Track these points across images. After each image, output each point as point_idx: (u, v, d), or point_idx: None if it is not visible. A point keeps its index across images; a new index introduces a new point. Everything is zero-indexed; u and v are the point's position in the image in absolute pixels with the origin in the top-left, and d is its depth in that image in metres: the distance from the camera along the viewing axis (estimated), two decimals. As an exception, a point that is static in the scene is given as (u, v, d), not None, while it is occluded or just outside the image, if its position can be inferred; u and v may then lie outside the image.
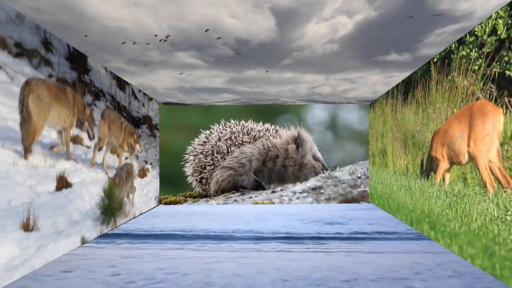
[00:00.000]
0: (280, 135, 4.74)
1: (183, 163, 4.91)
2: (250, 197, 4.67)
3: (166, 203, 5.02)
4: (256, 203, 4.61)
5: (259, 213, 4.11)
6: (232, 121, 4.88)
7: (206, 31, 2.35)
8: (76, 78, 2.80)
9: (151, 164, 4.65)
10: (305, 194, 4.72)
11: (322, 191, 4.73)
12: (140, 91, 4.33)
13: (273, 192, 4.71)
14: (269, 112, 5.21)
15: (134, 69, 3.24)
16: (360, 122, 5.29)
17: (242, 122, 4.85)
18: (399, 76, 3.50)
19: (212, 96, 4.64)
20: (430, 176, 2.86)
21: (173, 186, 5.11)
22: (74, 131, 2.73)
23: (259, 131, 4.74)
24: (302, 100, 5.03)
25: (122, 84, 3.76)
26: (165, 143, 5.17)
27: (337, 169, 4.87)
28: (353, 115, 5.32)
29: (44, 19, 2.13)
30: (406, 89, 3.57)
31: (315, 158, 4.79)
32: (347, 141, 5.23)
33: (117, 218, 3.36)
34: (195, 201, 4.95)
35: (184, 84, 3.87)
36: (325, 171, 4.81)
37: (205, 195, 4.91)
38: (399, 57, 2.84)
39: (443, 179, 2.62)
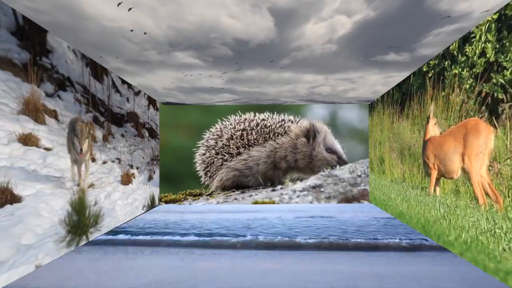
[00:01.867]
0: (290, 130, 4.69)
1: (194, 151, 4.91)
2: (250, 195, 4.67)
3: (166, 202, 5.04)
4: (256, 202, 4.62)
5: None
6: (247, 114, 4.82)
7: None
8: (29, 60, 2.25)
9: (137, 168, 4.24)
10: (305, 193, 4.72)
11: (322, 189, 4.72)
12: (123, 83, 3.92)
13: (273, 190, 4.70)
14: (269, 111, 5.13)
15: (133, 69, 3.24)
16: (360, 121, 5.28)
17: (257, 118, 4.78)
18: (399, 76, 3.50)
19: (212, 96, 4.65)
20: (424, 186, 2.98)
21: (173, 184, 5.14)
22: (26, 128, 2.18)
23: (273, 129, 4.67)
24: (302, 100, 5.03)
25: (99, 73, 3.21)
26: (165, 142, 5.19)
27: (337, 167, 4.86)
28: (353, 114, 5.32)
29: (43, 19, 2.14)
30: (402, 100, 3.66)
31: (330, 150, 4.66)
32: (347, 139, 5.22)
33: (91, 235, 2.86)
34: (195, 199, 4.96)
35: (184, 84, 3.87)
36: (339, 165, 4.68)
37: (206, 193, 4.92)
38: (397, 57, 2.84)
39: (434, 191, 2.73)
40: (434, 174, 2.69)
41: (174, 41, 2.48)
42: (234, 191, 4.79)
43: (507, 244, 1.88)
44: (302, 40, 2.50)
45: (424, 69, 3.07)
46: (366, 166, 4.88)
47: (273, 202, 4.61)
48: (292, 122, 4.74)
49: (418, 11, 2.03)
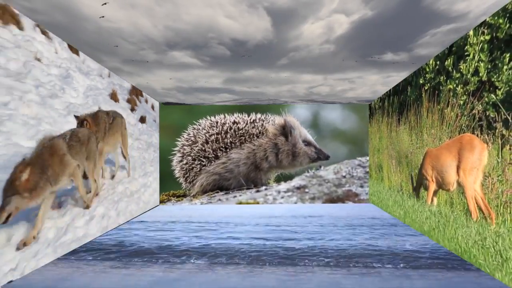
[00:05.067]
0: (266, 130, 4.56)
1: (171, 155, 4.81)
2: (235, 196, 4.62)
3: None
4: (241, 202, 4.58)
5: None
6: (217, 117, 4.69)
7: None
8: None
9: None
10: (289, 194, 4.69)
11: (306, 190, 4.70)
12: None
13: (258, 191, 4.65)
14: (250, 111, 4.85)
15: (130, 69, 3.24)
16: (342, 121, 5.25)
17: (228, 120, 4.64)
18: (397, 76, 3.49)
19: (212, 96, 4.64)
20: (421, 195, 3.02)
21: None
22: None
23: (247, 130, 4.55)
24: (303, 101, 5.02)
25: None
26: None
27: (322, 168, 4.82)
28: (335, 114, 5.28)
29: (40, 19, 2.14)
30: (400, 110, 3.70)
31: (306, 142, 4.54)
32: (328, 140, 5.18)
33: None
34: (179, 200, 4.93)
35: (183, 84, 3.87)
36: (318, 156, 4.56)
37: (188, 194, 4.90)
38: (395, 57, 2.83)
39: (432, 202, 2.77)
40: (432, 186, 2.74)
41: (172, 41, 2.48)
42: (218, 192, 4.71)
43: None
44: (300, 40, 2.50)
45: (421, 82, 3.11)
46: (350, 167, 4.85)
47: (257, 203, 4.58)
48: (263, 120, 4.59)
49: (415, 11, 2.02)
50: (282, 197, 4.66)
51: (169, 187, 5.06)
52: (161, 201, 5.01)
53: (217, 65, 3.10)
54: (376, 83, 3.81)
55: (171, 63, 3.02)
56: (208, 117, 4.72)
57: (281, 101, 5.08)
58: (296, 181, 4.76)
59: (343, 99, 4.83)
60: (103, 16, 2.11)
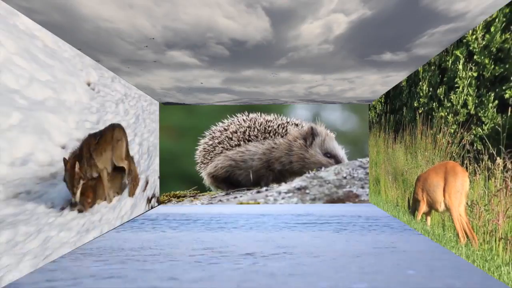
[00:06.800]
0: (288, 132, 4.71)
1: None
2: (235, 197, 4.66)
3: None
4: (241, 203, 4.59)
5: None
6: (254, 114, 4.94)
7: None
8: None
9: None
10: (290, 194, 4.69)
11: (307, 191, 4.70)
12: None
13: (258, 192, 4.69)
14: (250, 111, 5.05)
15: (129, 69, 3.24)
16: (343, 122, 5.25)
17: (263, 118, 4.88)
18: (397, 76, 3.49)
19: (211, 96, 4.64)
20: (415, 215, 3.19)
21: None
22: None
23: (274, 129, 4.74)
24: (303, 100, 5.01)
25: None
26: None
27: (322, 169, 4.84)
28: (336, 115, 5.27)
29: (38, 19, 2.14)
30: (396, 128, 3.78)
31: (329, 154, 4.70)
32: None
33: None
34: (180, 201, 4.96)
35: (182, 84, 3.87)
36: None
37: (189, 195, 4.97)
38: (394, 56, 2.83)
39: (426, 221, 2.89)
40: (423, 204, 2.88)
41: (170, 41, 2.48)
42: (218, 193, 4.80)
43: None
44: (299, 40, 2.49)
45: (415, 105, 3.19)
46: (351, 168, 4.86)
47: (258, 203, 4.60)
48: (296, 125, 4.79)
49: (414, 11, 2.02)
50: (283, 198, 4.67)
51: (169, 187, 5.07)
52: (162, 202, 5.01)
53: (216, 65, 3.10)
54: (375, 83, 3.80)
55: (170, 63, 3.02)
56: (246, 113, 5.00)
57: (281, 101, 5.08)
58: (297, 182, 4.76)
59: (342, 99, 4.83)
60: (147, 46, 2.53)
